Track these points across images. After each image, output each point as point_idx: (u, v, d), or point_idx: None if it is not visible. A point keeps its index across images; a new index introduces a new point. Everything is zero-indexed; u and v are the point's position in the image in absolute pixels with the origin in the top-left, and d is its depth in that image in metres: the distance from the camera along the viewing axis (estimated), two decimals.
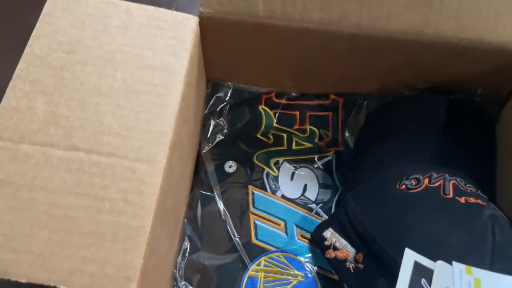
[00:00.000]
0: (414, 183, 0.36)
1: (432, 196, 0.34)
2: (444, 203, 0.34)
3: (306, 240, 0.40)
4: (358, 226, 0.36)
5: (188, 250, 0.39)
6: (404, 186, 0.36)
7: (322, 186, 0.43)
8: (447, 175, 0.36)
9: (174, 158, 0.33)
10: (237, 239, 0.39)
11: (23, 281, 0.26)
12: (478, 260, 0.30)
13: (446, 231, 0.32)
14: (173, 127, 0.32)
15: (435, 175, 0.36)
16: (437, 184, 0.35)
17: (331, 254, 0.37)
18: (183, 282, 0.38)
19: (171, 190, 0.33)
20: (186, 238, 0.40)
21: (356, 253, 0.36)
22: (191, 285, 0.38)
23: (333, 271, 0.38)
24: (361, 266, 0.35)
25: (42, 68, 0.33)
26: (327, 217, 0.41)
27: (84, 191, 0.29)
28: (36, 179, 0.29)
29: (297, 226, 0.40)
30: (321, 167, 0.44)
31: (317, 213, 0.41)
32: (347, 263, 0.36)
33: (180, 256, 0.39)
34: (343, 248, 0.37)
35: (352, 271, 0.36)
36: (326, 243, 0.38)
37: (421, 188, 0.35)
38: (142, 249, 0.28)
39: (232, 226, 0.40)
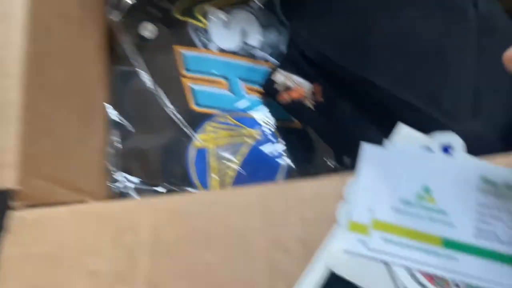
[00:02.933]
0: None
1: None
2: None
3: (257, 93, 0.33)
4: (310, 53, 0.28)
5: (120, 137, 0.32)
6: None
7: (265, 27, 0.35)
8: None
9: (42, 14, 0.25)
10: (173, 111, 0.32)
11: None
12: (461, 43, 0.23)
13: (415, 20, 0.24)
14: None
15: None
16: None
17: (285, 97, 0.30)
18: (124, 176, 0.32)
19: (53, 57, 0.25)
20: (114, 125, 0.33)
21: (313, 87, 0.29)
22: (132, 175, 0.32)
23: (293, 118, 0.31)
24: (321, 99, 0.28)
25: None
26: (276, 62, 0.34)
27: None
28: None
29: (242, 79, 0.33)
30: (260, 5, 0.35)
31: (264, 59, 0.34)
32: (306, 102, 0.29)
33: (110, 146, 0.32)
34: (296, 86, 0.29)
35: (313, 109, 0.29)
36: (277, 87, 0.30)
37: None
38: (13, 128, 0.21)
39: (164, 97, 0.33)
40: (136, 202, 0.25)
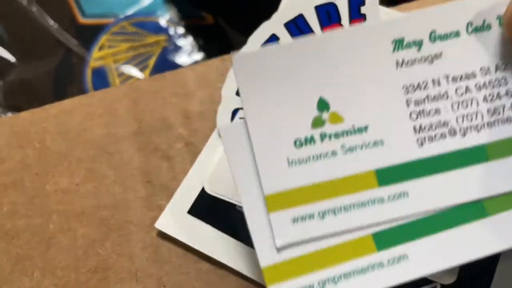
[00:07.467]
0: None
1: None
2: None
3: None
4: None
5: None
6: None
7: None
8: None
9: None
10: (57, 29, 0.26)
11: None
12: None
13: None
14: None
15: None
16: None
17: None
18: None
19: None
20: None
21: None
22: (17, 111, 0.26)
23: (203, 13, 0.26)
24: None
25: None
26: None
27: None
28: None
29: None
30: None
31: None
32: None
33: None
34: None
35: None
36: None
37: None
38: None
39: (43, 14, 0.26)
40: None
